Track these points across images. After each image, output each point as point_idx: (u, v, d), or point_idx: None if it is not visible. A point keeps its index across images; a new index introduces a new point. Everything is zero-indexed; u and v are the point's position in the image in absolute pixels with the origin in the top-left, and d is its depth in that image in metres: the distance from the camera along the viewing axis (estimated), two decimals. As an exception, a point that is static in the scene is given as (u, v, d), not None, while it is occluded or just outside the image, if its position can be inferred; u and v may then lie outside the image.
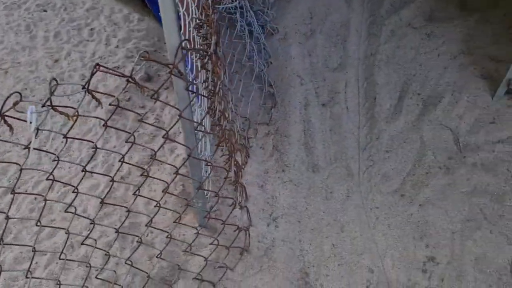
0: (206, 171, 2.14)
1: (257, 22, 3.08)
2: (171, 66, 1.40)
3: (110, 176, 1.65)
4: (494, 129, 2.59)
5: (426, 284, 2.09)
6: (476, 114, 2.67)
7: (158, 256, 2.01)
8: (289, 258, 2.22)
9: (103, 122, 1.38)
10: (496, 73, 2.78)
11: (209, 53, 1.51)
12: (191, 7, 1.75)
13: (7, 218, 1.36)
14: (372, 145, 2.65)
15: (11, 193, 1.39)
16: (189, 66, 1.87)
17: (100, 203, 1.69)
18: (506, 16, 3.04)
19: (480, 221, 2.25)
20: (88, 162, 1.57)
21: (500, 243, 2.16)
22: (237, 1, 2.16)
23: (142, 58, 1.33)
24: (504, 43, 2.90)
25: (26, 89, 3.06)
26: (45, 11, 3.67)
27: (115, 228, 1.85)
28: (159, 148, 1.61)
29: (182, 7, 1.65)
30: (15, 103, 1.10)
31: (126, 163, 1.60)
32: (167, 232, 1.95)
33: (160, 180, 1.87)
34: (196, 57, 1.78)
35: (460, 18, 3.10)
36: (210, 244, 2.17)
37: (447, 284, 2.08)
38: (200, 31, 1.65)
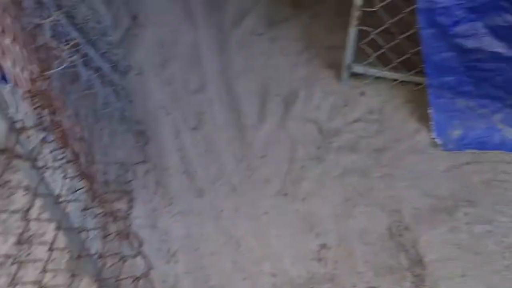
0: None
1: (108, 64, 3.04)
2: (7, 153, 1.35)
3: (-23, 276, 1.55)
4: (348, 110, 2.85)
5: (324, 271, 2.25)
6: (330, 102, 2.91)
7: (60, 335, 1.92)
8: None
9: None
10: (338, 60, 3.04)
11: (46, 127, 1.48)
12: (16, 54, 1.63)
13: None
14: (247, 155, 2.77)
15: None
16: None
17: (-25, 305, 1.58)
18: (334, 6, 3.33)
19: (355, 198, 2.47)
20: None
21: (376, 213, 2.39)
22: (75, 55, 2.12)
23: (-30, 154, 1.27)
24: (338, 32, 3.16)
25: None
26: None
27: (2, 324, 1.74)
28: (24, 234, 1.55)
29: (5, 62, 1.55)
30: None
31: (-10, 257, 1.52)
32: (62, 308, 1.87)
33: (34, 262, 1.79)
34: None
35: (295, 17, 3.34)
36: (112, 302, 2.12)
37: (341, 264, 2.26)
38: (34, 101, 1.60)
